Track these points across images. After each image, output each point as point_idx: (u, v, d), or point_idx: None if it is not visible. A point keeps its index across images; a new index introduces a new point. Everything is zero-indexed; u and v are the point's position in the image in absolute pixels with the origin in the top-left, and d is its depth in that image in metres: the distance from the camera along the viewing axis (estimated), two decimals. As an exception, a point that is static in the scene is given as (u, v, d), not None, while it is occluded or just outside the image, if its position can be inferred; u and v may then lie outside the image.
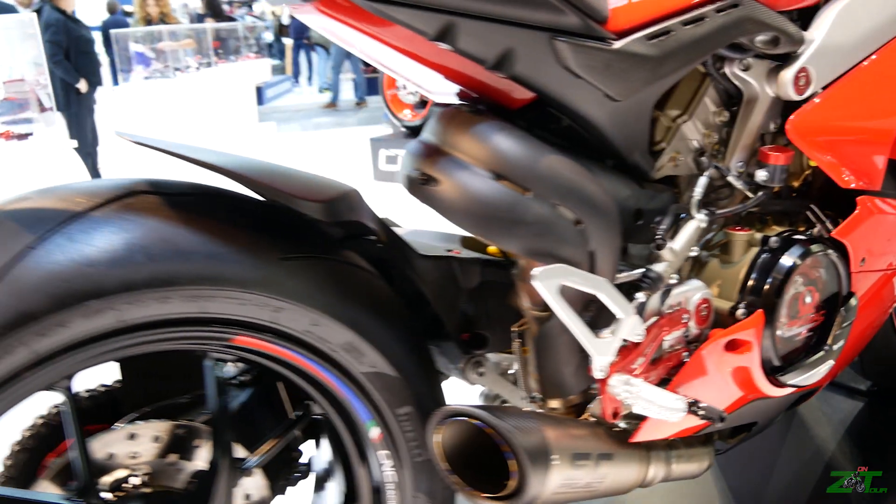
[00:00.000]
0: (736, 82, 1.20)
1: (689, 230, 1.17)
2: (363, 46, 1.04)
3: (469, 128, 1.00)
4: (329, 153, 7.87)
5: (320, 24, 0.99)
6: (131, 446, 0.95)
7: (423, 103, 6.14)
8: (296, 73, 14.17)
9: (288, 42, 13.99)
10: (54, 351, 0.78)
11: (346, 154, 7.60)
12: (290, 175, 0.99)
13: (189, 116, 6.25)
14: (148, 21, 7.36)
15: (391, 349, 1.03)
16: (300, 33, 13.34)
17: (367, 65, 12.71)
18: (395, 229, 1.18)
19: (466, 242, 1.28)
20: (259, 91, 9.88)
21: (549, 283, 0.99)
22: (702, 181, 1.18)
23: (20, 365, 0.76)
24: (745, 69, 1.19)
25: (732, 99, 1.23)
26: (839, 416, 1.95)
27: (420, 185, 1.01)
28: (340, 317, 0.97)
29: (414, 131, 6.25)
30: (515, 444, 0.97)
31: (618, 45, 1.01)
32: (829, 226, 1.31)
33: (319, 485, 1.23)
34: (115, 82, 6.98)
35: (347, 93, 12.41)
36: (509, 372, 1.29)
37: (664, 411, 1.03)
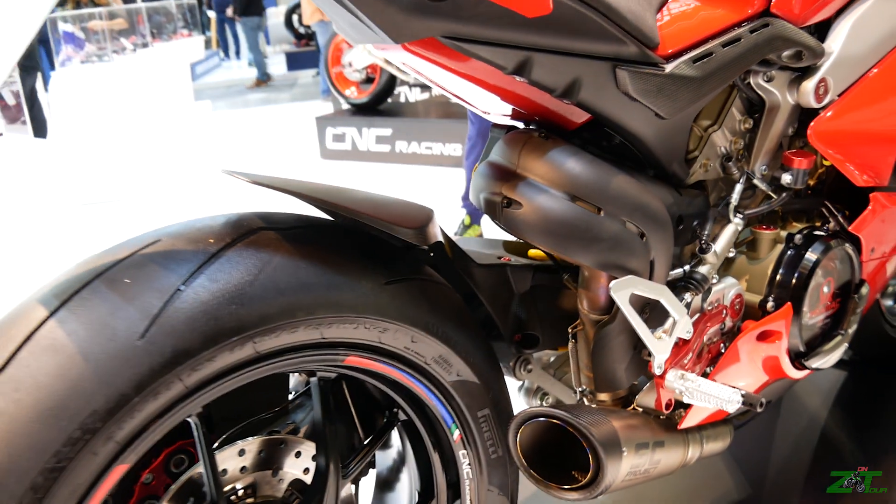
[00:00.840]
0: (760, 92, 1.30)
1: (727, 234, 1.27)
2: (426, 72, 1.09)
3: (543, 153, 1.07)
4: (270, 131, 7.78)
5: (398, 58, 1.04)
6: (241, 461, 1.00)
7: (368, 80, 6.13)
8: (224, 48, 13.85)
9: (212, 15, 13.64)
10: (202, 383, 0.83)
11: (287, 132, 7.54)
12: (381, 202, 1.05)
13: (128, 99, 6.10)
14: (77, 3, 7.12)
15: (473, 358, 1.10)
16: (222, 6, 13.01)
17: (299, 38, 12.53)
18: (455, 239, 1.25)
19: (508, 247, 1.35)
20: (191, 68, 9.67)
21: (622, 293, 1.08)
22: (738, 188, 1.27)
23: (175, 398, 0.81)
24: (769, 80, 1.28)
25: (755, 107, 1.33)
26: (840, 415, 2.01)
27: (503, 209, 1.07)
28: (434, 332, 1.03)
29: (359, 108, 6.24)
30: (594, 440, 1.06)
31: (668, 69, 1.09)
32: (842, 220, 1.43)
33: (383, 482, 1.29)
34: (52, 67, 6.74)
35: (279, 68, 12.23)
36: (551, 368, 1.38)
37: (722, 402, 1.13)
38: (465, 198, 4.20)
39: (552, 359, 1.38)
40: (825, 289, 1.37)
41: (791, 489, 1.76)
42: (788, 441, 1.91)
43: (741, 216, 1.28)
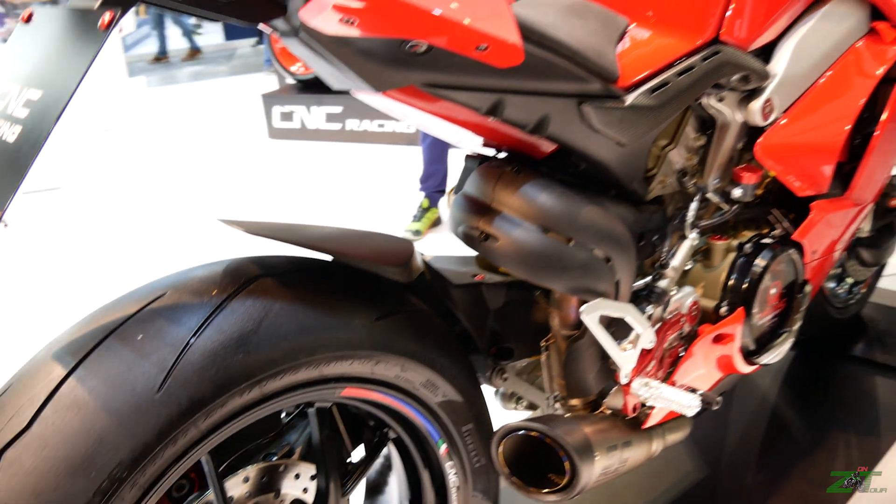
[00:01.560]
0: (711, 112, 1.39)
1: (684, 248, 1.37)
2: (401, 111, 1.15)
3: (516, 188, 1.15)
4: (212, 109, 7.66)
5: (375, 101, 1.10)
6: (246, 488, 1.07)
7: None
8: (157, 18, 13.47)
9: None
10: (215, 426, 0.90)
11: (231, 110, 7.43)
12: (368, 240, 1.13)
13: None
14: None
15: (457, 379, 1.18)
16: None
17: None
18: (430, 260, 1.32)
19: (482, 263, 1.43)
20: (122, 41, 9.42)
21: (591, 316, 1.17)
22: (693, 206, 1.37)
23: (191, 442, 0.88)
24: (720, 100, 1.38)
25: (707, 125, 1.42)
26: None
27: (481, 242, 1.15)
28: (422, 360, 1.11)
29: (306, 85, 6.20)
30: (569, 448, 1.16)
31: (628, 101, 1.18)
32: (788, 225, 1.54)
33: (372, 488, 1.38)
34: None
35: (214, 37, 11.92)
36: (524, 373, 1.47)
37: (682, 408, 1.24)
38: (423, 181, 4.26)
39: (525, 364, 1.47)
40: (772, 291, 1.48)
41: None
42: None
43: (697, 231, 1.38)
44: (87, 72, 0.78)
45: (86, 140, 5.70)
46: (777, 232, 1.54)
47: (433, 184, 4.19)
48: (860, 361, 2.20)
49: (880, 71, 1.57)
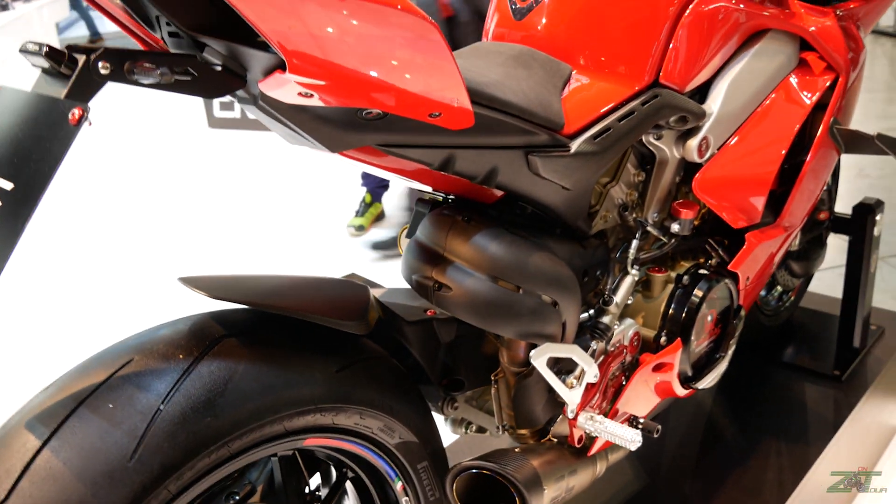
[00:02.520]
0: (651, 148, 1.45)
1: (626, 285, 1.43)
2: (355, 163, 1.18)
3: (467, 238, 1.19)
4: (149, 97, 7.47)
5: (330, 156, 1.13)
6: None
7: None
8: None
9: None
10: (183, 487, 0.94)
11: (169, 97, 7.25)
12: (324, 291, 1.17)
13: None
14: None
15: (412, 421, 1.23)
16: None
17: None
18: (381, 297, 1.36)
19: None
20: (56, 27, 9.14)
21: (540, 360, 1.23)
22: (634, 243, 1.43)
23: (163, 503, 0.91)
24: (658, 138, 1.44)
25: (646, 160, 1.48)
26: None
27: (434, 292, 1.19)
28: (379, 407, 1.16)
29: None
30: (519, 485, 1.22)
31: (573, 148, 1.23)
32: (723, 254, 1.61)
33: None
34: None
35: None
36: (474, 400, 1.52)
37: (625, 441, 1.31)
38: (365, 176, 4.27)
39: (474, 391, 1.52)
40: (709, 318, 1.56)
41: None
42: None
43: (637, 267, 1.44)
44: (58, 167, 0.79)
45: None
46: (713, 261, 1.61)
47: (375, 179, 4.21)
48: (791, 368, 2.30)
49: (810, 102, 1.65)
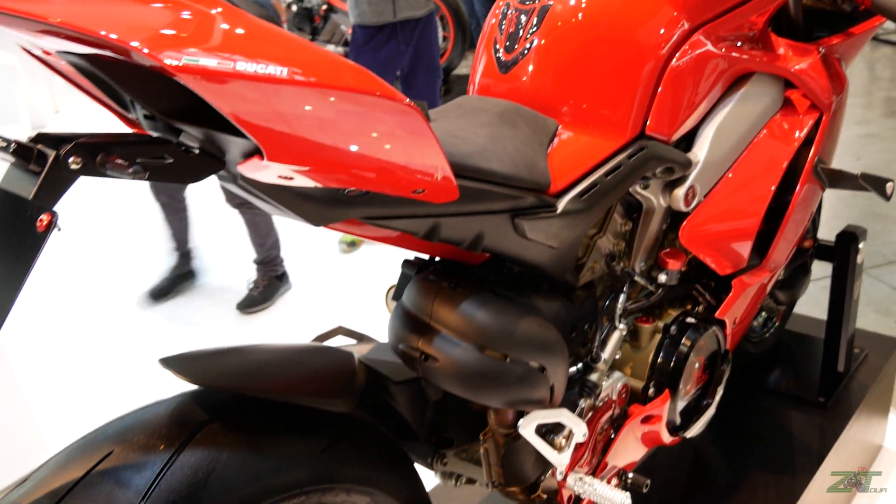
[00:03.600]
0: (637, 198, 1.45)
1: (614, 340, 1.43)
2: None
3: (453, 307, 1.19)
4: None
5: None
6: None
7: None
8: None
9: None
10: None
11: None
12: (306, 363, 1.16)
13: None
14: None
15: (400, 490, 1.23)
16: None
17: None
18: (367, 356, 1.35)
19: None
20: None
21: (528, 428, 1.23)
22: (622, 298, 1.44)
23: None
24: (645, 188, 1.44)
25: (633, 209, 1.48)
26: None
27: (421, 363, 1.19)
28: (368, 482, 1.15)
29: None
30: None
31: (560, 208, 1.23)
32: (710, 299, 1.62)
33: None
34: None
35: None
36: (464, 453, 1.52)
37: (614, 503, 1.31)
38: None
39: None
40: (696, 366, 1.56)
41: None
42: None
43: (625, 321, 1.44)
44: (27, 276, 0.78)
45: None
46: (700, 308, 1.62)
47: None
48: (776, 394, 2.32)
49: (795, 143, 1.65)
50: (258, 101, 0.78)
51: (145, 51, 0.71)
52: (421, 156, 0.96)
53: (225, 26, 0.80)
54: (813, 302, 2.65)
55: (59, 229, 0.78)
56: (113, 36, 0.71)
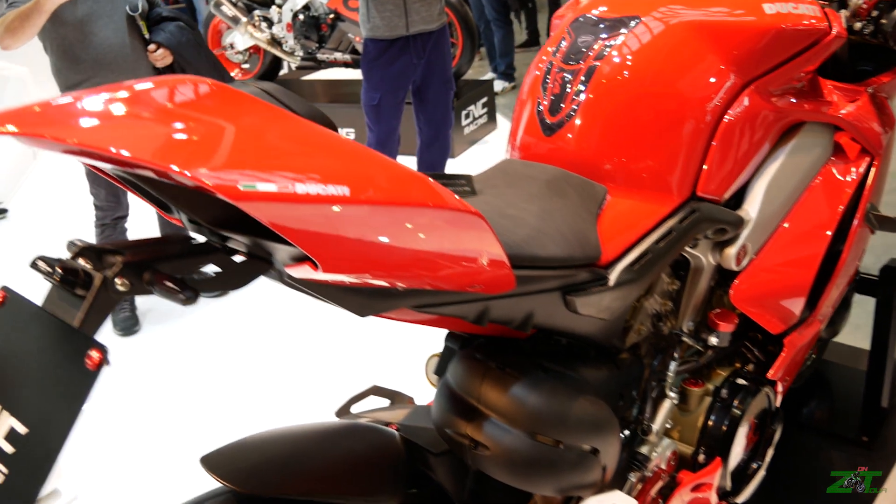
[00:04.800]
0: (686, 256, 1.38)
1: (665, 409, 1.37)
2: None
3: (503, 391, 1.12)
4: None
5: None
6: None
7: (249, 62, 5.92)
8: None
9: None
10: None
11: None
12: (347, 454, 1.09)
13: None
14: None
15: None
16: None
17: None
18: (404, 425, 1.29)
19: None
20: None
21: None
22: (672, 365, 1.37)
23: None
24: (694, 246, 1.37)
25: (680, 267, 1.41)
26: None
27: (470, 451, 1.12)
28: None
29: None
30: None
31: (611, 280, 1.16)
32: (760, 355, 1.55)
33: None
34: None
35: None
36: None
37: None
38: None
39: None
40: (747, 428, 1.49)
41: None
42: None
43: (676, 390, 1.37)
44: (79, 413, 0.72)
45: (29, 159, 5.43)
46: (750, 367, 1.55)
47: None
48: (814, 431, 2.24)
49: (848, 191, 1.58)
50: (318, 220, 0.72)
51: (206, 182, 0.64)
52: (482, 258, 0.89)
53: (273, 136, 0.73)
54: (851, 325, 2.57)
55: (109, 364, 0.72)
56: (172, 167, 0.64)
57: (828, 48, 1.46)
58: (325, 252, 0.74)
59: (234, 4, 5.41)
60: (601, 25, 1.36)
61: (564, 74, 1.33)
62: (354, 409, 1.41)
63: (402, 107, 3.81)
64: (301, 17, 5.31)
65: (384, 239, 0.78)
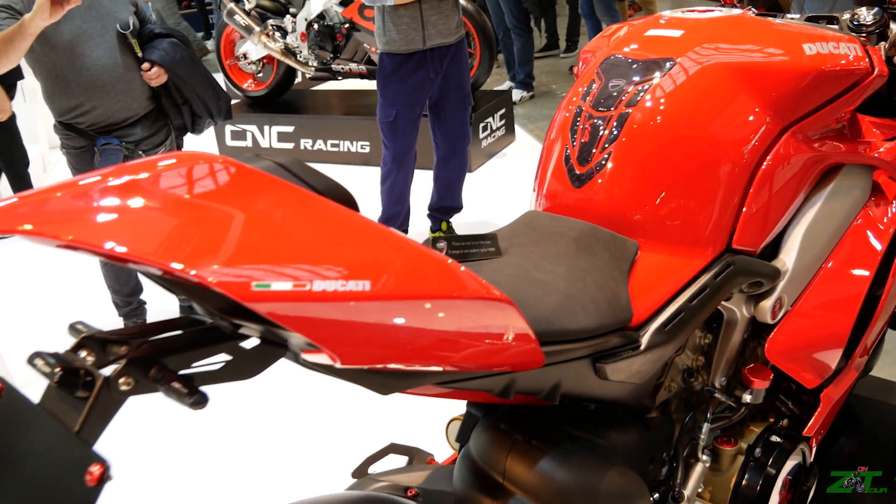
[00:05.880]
0: (719, 309, 1.31)
1: (697, 474, 1.30)
2: None
3: (530, 466, 1.07)
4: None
5: None
6: None
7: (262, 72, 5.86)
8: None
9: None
10: None
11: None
12: None
13: None
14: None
15: None
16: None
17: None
18: (423, 489, 1.23)
19: None
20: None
21: None
22: (704, 427, 1.30)
23: None
24: (728, 299, 1.30)
25: (713, 319, 1.35)
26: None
27: None
28: None
29: (256, 101, 5.96)
30: None
31: (643, 343, 1.09)
32: (794, 409, 1.47)
33: None
34: None
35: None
36: None
37: None
38: (383, 221, 4.12)
39: None
40: (781, 486, 1.42)
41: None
42: None
43: (708, 453, 1.31)
44: None
45: (39, 172, 5.41)
46: (784, 422, 1.48)
47: (394, 225, 4.06)
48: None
49: (889, 234, 1.50)
50: (337, 317, 0.66)
51: (212, 282, 0.58)
52: (509, 338, 0.83)
53: (288, 223, 0.67)
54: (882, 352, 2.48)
55: (112, 479, 0.66)
56: (174, 265, 0.59)
57: (869, 88, 1.39)
58: (344, 347, 0.68)
59: (247, 13, 5.35)
60: (634, 67, 1.29)
61: (595, 121, 1.27)
62: (372, 469, 1.34)
63: (419, 122, 3.74)
64: (315, 26, 5.24)
65: (406, 331, 0.72)
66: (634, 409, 1.24)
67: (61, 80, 2.78)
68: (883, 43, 1.54)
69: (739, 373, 1.36)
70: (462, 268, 0.76)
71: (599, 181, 1.24)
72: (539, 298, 0.98)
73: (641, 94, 1.25)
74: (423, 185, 4.05)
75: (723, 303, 1.30)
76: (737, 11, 1.43)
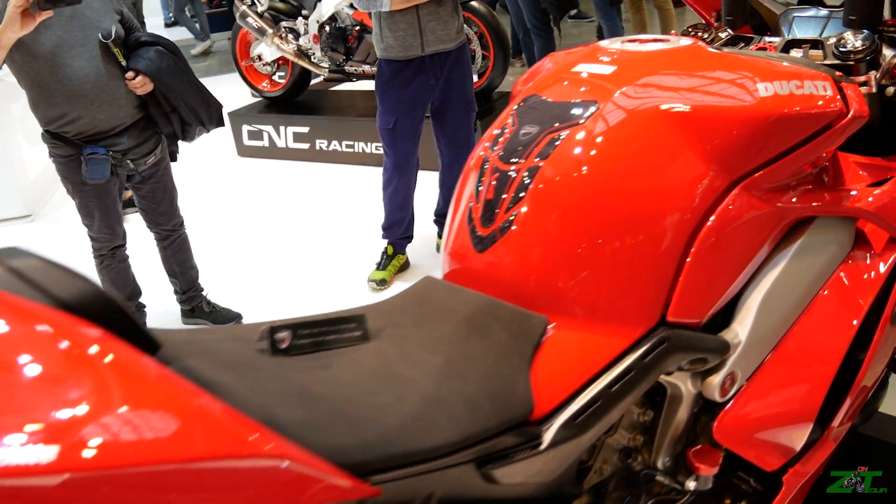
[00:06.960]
0: (660, 382, 1.16)
1: None
2: None
3: None
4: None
5: None
6: None
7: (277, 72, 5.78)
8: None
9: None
10: None
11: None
12: None
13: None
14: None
15: None
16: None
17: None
18: None
19: None
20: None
21: None
22: None
23: None
24: (669, 374, 1.14)
25: (654, 393, 1.19)
26: None
27: None
28: None
29: (273, 101, 5.90)
30: None
31: (545, 442, 0.95)
32: (756, 486, 1.30)
33: None
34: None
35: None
36: None
37: None
38: (386, 228, 4.00)
39: None
40: None
41: None
42: None
43: None
44: None
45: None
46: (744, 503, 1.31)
47: (397, 231, 3.95)
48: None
49: (871, 290, 1.31)
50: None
51: None
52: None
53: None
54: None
55: None
56: None
57: (844, 132, 1.19)
58: None
59: (260, 16, 5.26)
60: (551, 111, 1.13)
61: (501, 174, 1.11)
62: None
63: (419, 129, 3.62)
64: (327, 28, 5.13)
65: None
66: (556, 498, 1.09)
67: (45, 89, 2.74)
68: (874, 72, 1.35)
69: (686, 452, 1.21)
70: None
71: (503, 246, 1.08)
72: (389, 406, 0.84)
73: (556, 143, 1.09)
74: (430, 189, 3.93)
75: (665, 378, 1.14)
76: (686, 42, 1.24)
